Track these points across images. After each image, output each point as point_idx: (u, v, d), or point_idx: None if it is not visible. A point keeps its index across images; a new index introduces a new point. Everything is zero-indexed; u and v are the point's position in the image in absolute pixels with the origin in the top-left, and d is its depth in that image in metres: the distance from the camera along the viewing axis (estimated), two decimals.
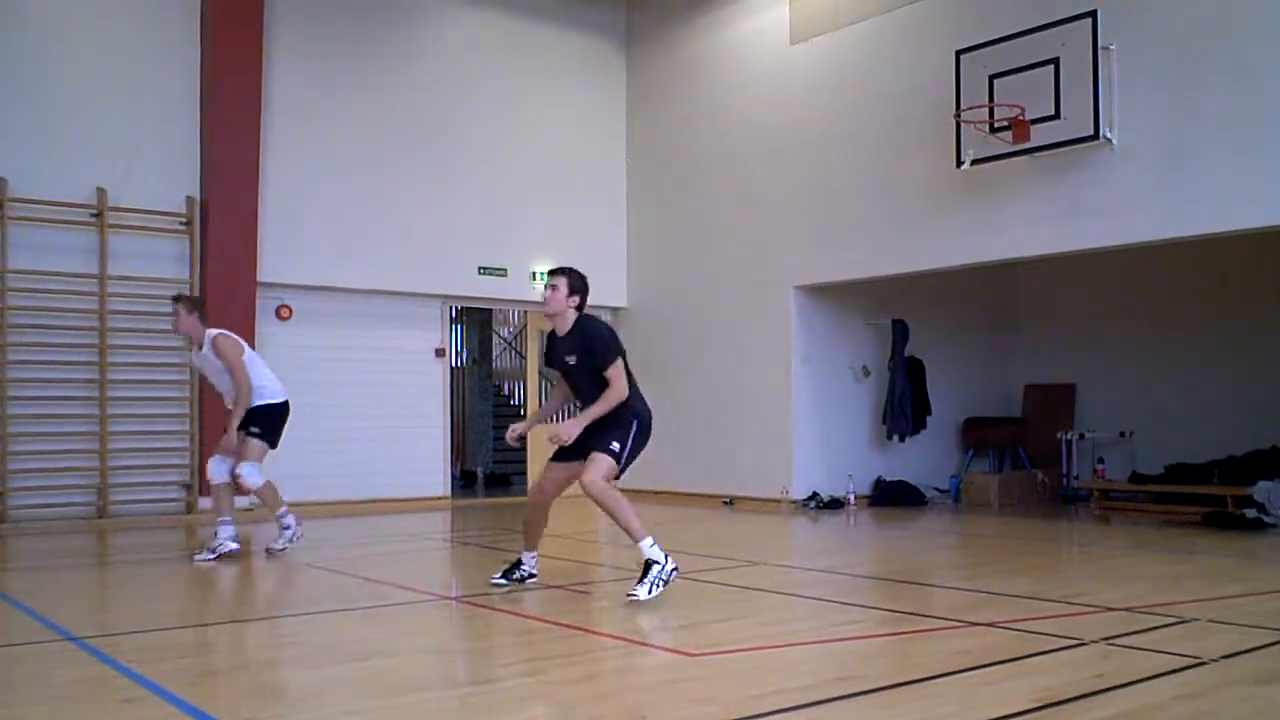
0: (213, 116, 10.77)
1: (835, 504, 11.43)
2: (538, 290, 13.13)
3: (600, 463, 5.60)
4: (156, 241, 10.58)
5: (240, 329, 10.64)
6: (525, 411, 14.09)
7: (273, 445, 7.75)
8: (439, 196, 12.31)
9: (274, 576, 7.40)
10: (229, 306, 10.71)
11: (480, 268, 12.66)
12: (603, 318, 14.00)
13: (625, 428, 5.72)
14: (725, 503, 12.01)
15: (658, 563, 5.54)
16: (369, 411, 11.83)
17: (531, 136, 13.06)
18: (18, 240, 9.87)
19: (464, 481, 15.43)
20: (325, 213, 11.52)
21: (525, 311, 13.92)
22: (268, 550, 7.86)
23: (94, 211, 10.23)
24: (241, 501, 10.70)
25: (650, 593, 5.46)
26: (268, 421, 7.65)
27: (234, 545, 7.55)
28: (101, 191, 10.24)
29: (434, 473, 12.43)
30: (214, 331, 7.59)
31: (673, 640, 4.56)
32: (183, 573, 7.62)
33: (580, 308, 5.92)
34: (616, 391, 5.68)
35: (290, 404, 7.84)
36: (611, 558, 8.33)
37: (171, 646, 4.75)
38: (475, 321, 16.97)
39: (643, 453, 5.83)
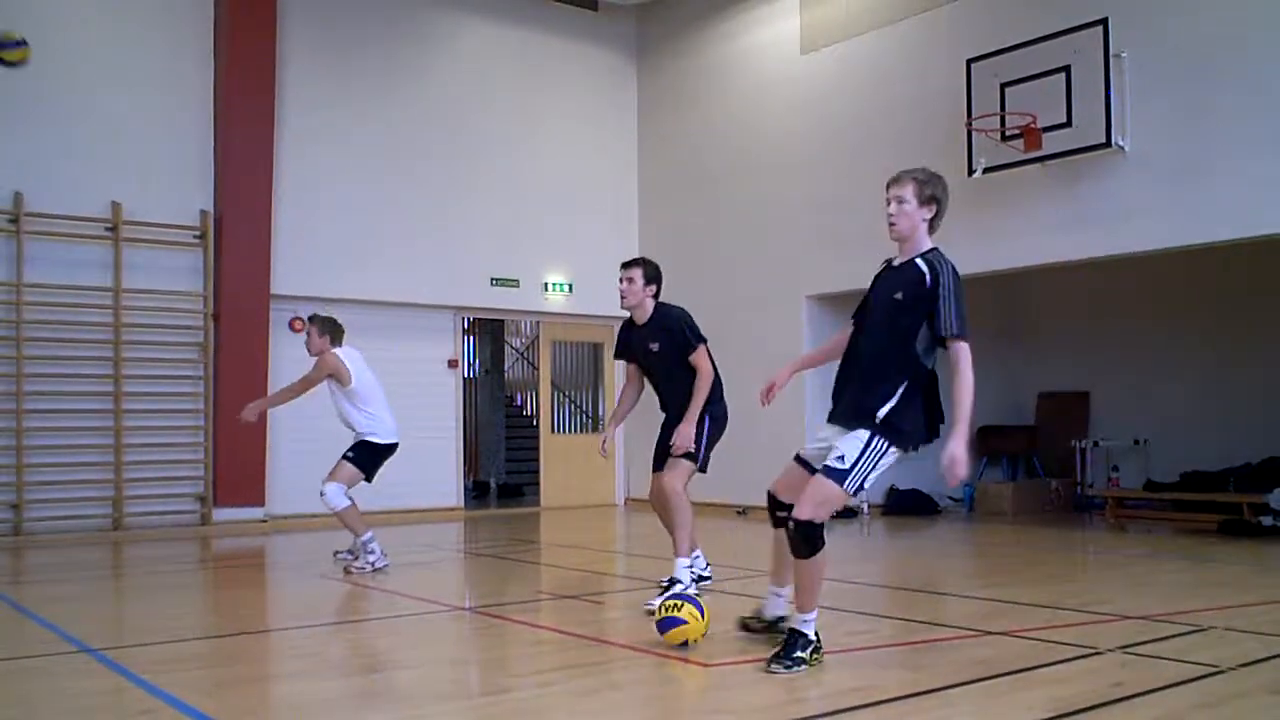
0: (226, 130, 10.84)
1: (849, 513, 11.39)
2: (550, 301, 13.27)
3: (679, 467, 5.81)
4: (171, 255, 10.64)
5: (254, 342, 10.81)
6: (537, 422, 14.07)
7: (368, 479, 7.53)
8: (451, 208, 12.36)
9: (288, 588, 7.42)
10: (242, 319, 10.81)
11: (492, 279, 12.70)
12: (613, 329, 14.12)
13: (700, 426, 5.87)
14: (739, 512, 11.98)
15: (681, 581, 5.68)
16: None
17: (543, 148, 13.12)
18: (34, 254, 9.94)
19: (476, 492, 15.42)
20: (338, 225, 11.57)
21: (537, 322, 13.94)
22: (345, 570, 7.46)
23: (109, 225, 10.29)
24: (256, 513, 10.86)
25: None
26: (369, 456, 7.47)
27: (385, 561, 7.41)
28: (116, 205, 10.31)
29: (447, 483, 12.47)
30: (337, 350, 7.48)
31: (687, 651, 4.55)
32: (197, 584, 7.65)
33: (657, 296, 6.18)
34: (706, 374, 5.94)
35: (398, 445, 7.63)
36: (625, 568, 8.33)
37: (187, 658, 4.76)
38: (487, 332, 17.00)
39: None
